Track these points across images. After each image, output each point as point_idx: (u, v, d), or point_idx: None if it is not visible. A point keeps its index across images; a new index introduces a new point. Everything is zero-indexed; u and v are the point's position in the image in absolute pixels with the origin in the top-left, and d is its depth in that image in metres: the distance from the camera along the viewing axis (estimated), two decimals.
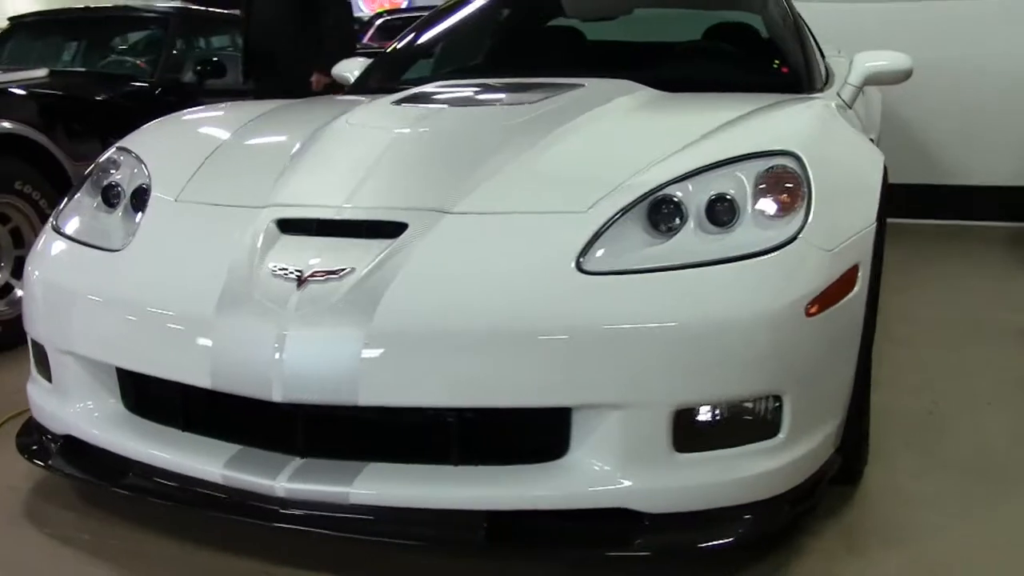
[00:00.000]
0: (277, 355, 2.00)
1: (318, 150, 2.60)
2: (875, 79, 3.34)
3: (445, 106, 2.81)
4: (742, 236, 2.10)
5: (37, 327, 2.47)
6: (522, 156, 2.40)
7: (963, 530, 2.38)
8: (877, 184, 2.48)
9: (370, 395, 1.98)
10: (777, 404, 2.07)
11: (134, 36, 5.51)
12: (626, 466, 1.99)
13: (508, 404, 1.99)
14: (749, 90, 3.20)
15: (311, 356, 2.00)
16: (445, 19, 4.19)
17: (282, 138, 2.84)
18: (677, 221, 2.15)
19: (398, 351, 1.99)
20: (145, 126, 2.95)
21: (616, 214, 2.14)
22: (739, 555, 2.21)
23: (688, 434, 2.00)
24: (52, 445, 2.45)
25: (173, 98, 4.94)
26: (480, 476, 2.04)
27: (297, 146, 2.65)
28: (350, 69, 4.01)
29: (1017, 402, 3.25)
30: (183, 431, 2.25)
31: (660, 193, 2.17)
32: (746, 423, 2.06)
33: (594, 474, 2.00)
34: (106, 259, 2.37)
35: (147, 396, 2.34)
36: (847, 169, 2.47)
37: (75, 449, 2.40)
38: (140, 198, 2.53)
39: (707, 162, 2.23)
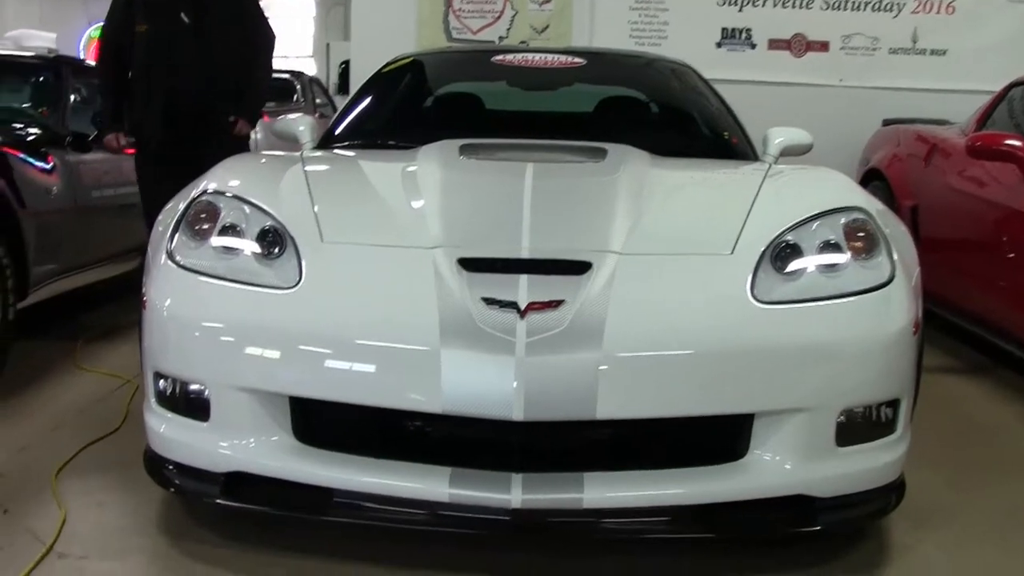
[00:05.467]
0: (516, 379, 2.21)
1: (449, 198, 2.85)
2: (786, 151, 3.90)
3: (529, 163, 3.05)
4: (852, 275, 2.54)
5: (192, 367, 2.49)
6: (641, 209, 2.76)
7: None
8: (906, 233, 3.01)
9: (606, 410, 2.23)
10: (894, 406, 2.52)
11: (15, 83, 5.27)
12: (803, 460, 2.38)
13: (712, 412, 2.34)
14: (715, 156, 3.74)
15: (550, 378, 2.22)
16: (402, 84, 4.45)
17: (374, 184, 3.16)
18: (797, 262, 2.56)
19: (626, 371, 2.27)
20: (218, 169, 3.01)
21: (759, 257, 2.53)
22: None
23: (845, 432, 2.42)
24: (208, 484, 2.46)
25: (78, 147, 4.81)
26: (684, 476, 2.35)
27: (409, 193, 2.89)
28: (297, 127, 4.01)
29: None
30: (377, 458, 2.36)
31: (781, 239, 2.58)
32: (877, 422, 2.50)
33: (776, 468, 2.38)
34: (282, 297, 2.44)
35: (322, 427, 2.43)
36: (889, 220, 2.97)
37: (240, 485, 2.44)
38: (272, 238, 2.60)
39: (804, 216, 2.66)
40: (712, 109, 4.25)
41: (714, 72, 5.25)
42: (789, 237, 2.60)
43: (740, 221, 2.68)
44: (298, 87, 11.94)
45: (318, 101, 12.56)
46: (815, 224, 2.64)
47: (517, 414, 2.21)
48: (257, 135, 9.29)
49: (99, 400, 3.72)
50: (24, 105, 5.14)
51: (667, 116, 4.43)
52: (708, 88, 4.41)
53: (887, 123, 6.68)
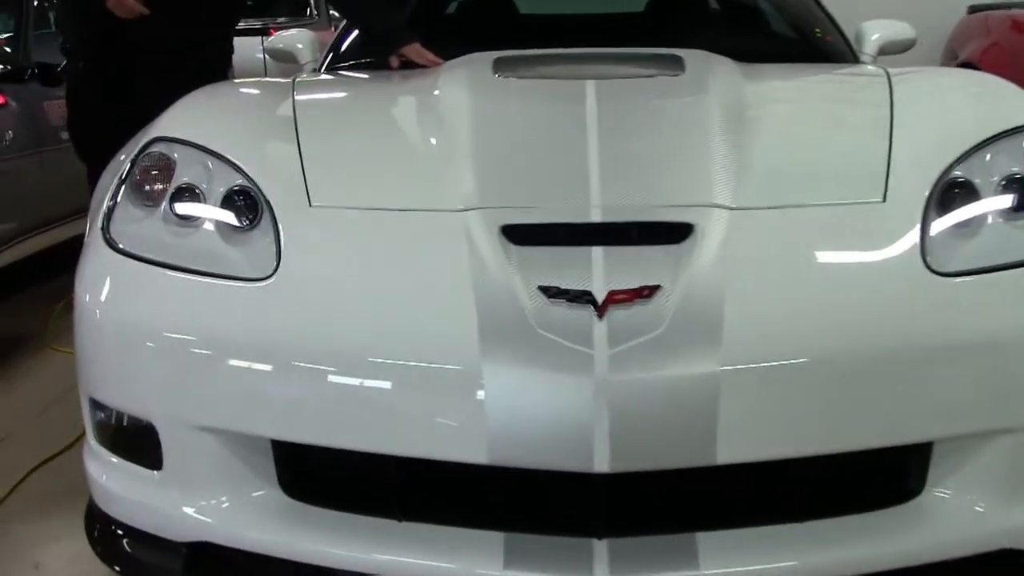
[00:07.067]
0: (597, 411, 1.48)
1: (483, 135, 2.05)
2: (885, 49, 3.16)
3: (589, 81, 2.27)
4: None
5: (134, 395, 1.78)
6: (747, 140, 1.96)
7: None
8: None
9: (732, 451, 1.51)
10: None
11: None
12: (1005, 499, 1.66)
13: (886, 443, 1.60)
14: (807, 60, 2.99)
15: (647, 408, 1.49)
16: None
17: (385, 121, 2.35)
18: (972, 206, 1.80)
19: (762, 390, 1.53)
20: (175, 108, 2.22)
21: (924, 204, 1.77)
22: None
23: None
24: (165, 557, 1.78)
25: (43, 80, 4.12)
26: (834, 533, 1.63)
27: (428, 129, 2.13)
28: (295, 44, 3.36)
29: None
30: (400, 520, 1.67)
31: (948, 177, 1.82)
32: None
33: (967, 513, 1.66)
34: (251, 293, 1.71)
35: (321, 477, 1.74)
36: None
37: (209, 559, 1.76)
38: (242, 204, 1.87)
39: (972, 141, 1.88)
40: (796, 1, 3.46)
41: None
42: (958, 172, 1.83)
43: (883, 151, 1.91)
44: None
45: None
46: (988, 152, 1.87)
47: (600, 464, 1.49)
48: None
49: (70, 388, 3.02)
50: None
51: (743, 12, 3.62)
52: None
53: (973, 9, 5.99)
